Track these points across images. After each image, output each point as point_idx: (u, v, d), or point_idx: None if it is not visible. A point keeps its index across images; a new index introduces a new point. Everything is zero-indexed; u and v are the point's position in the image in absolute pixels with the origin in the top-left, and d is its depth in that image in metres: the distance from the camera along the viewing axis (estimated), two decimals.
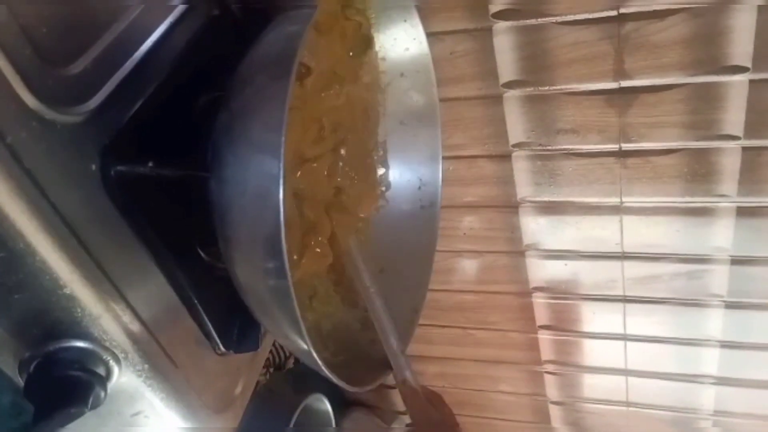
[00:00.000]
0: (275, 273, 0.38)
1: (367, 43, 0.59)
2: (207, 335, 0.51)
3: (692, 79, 0.64)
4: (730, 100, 0.65)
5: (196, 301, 0.49)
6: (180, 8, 0.46)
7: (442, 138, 0.63)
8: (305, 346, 0.42)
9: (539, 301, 0.91)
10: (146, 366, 0.44)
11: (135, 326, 0.42)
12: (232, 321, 0.53)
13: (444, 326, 1.00)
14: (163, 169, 0.41)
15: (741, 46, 0.61)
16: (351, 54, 0.57)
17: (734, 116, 0.65)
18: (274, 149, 0.35)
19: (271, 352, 0.91)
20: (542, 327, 0.94)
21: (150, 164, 0.40)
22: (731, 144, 0.67)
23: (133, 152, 0.40)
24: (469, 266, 0.91)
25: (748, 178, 0.69)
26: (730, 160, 0.68)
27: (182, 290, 0.47)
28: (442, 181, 0.64)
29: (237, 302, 0.47)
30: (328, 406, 0.90)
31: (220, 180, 0.39)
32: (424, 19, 0.58)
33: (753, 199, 0.71)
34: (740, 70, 0.62)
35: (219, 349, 0.52)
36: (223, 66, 0.45)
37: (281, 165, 0.35)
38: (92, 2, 0.39)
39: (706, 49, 0.62)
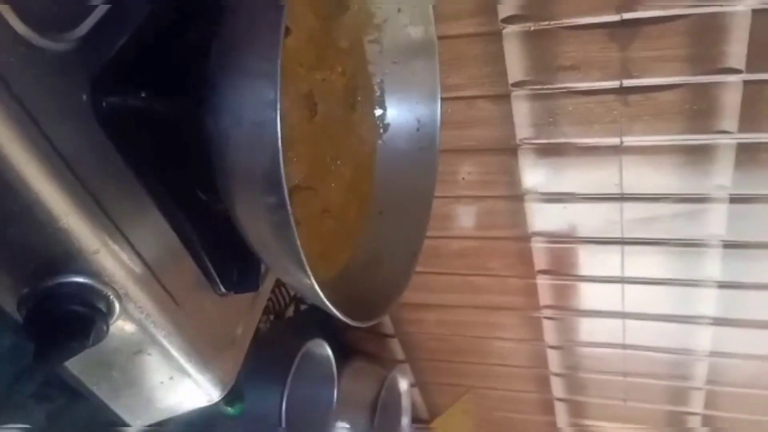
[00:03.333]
0: (275, 204, 0.38)
1: (345, 5, 0.57)
2: (207, 275, 0.50)
3: (695, 9, 0.63)
4: (732, 31, 0.63)
5: (195, 241, 0.48)
6: None
7: (440, 78, 0.62)
8: (307, 280, 0.41)
9: (538, 245, 0.91)
10: (147, 303, 0.43)
11: (134, 263, 0.41)
12: (232, 262, 0.52)
13: (443, 273, 1.01)
14: (156, 101, 0.40)
15: None
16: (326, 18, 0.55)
17: (736, 48, 0.64)
18: (270, 75, 0.34)
19: (270, 299, 0.92)
20: (541, 272, 0.95)
21: (142, 95, 0.39)
22: (733, 78, 0.66)
23: (125, 83, 0.39)
24: (467, 212, 0.90)
25: (749, 113, 0.68)
26: (731, 95, 0.68)
27: (181, 229, 0.47)
28: (441, 122, 0.63)
29: (237, 243, 0.46)
30: (329, 351, 0.91)
31: (215, 111, 0.38)
32: None
33: (754, 135, 0.70)
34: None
35: (219, 289, 0.51)
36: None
37: (278, 90, 0.34)
38: None
39: None
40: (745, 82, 0.66)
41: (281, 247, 0.41)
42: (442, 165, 0.83)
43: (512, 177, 0.83)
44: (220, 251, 0.50)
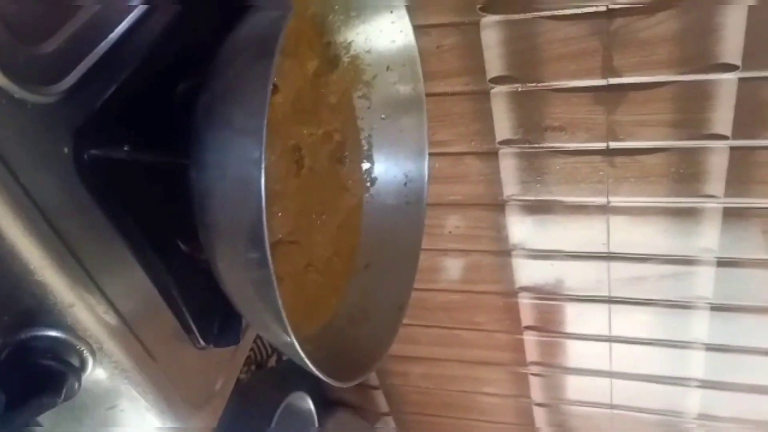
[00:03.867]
0: (257, 261, 0.37)
1: (335, 63, 0.58)
2: (186, 329, 0.49)
3: (681, 77, 0.64)
4: (719, 98, 0.64)
5: (175, 294, 0.47)
6: None
7: (429, 134, 0.62)
8: (288, 338, 0.40)
9: (525, 301, 0.90)
10: (122, 358, 0.42)
11: (110, 317, 0.41)
12: (213, 315, 0.51)
13: (429, 326, 1.00)
14: (140, 154, 0.40)
15: (731, 43, 0.61)
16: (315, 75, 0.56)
17: (723, 115, 0.65)
18: (256, 132, 0.34)
19: (252, 350, 0.90)
20: (527, 328, 0.94)
21: (125, 148, 0.39)
22: (719, 143, 0.67)
23: (108, 136, 0.39)
24: (454, 265, 0.90)
25: (736, 178, 0.69)
26: (717, 160, 0.68)
27: (161, 282, 0.46)
28: (429, 177, 0.64)
29: (217, 296, 0.46)
30: (311, 405, 0.89)
31: (199, 165, 0.38)
32: (411, 11, 0.57)
33: (740, 200, 0.71)
34: (730, 68, 0.62)
35: (199, 343, 0.50)
36: (204, 54, 0.44)
37: (263, 149, 0.34)
38: None
39: (696, 47, 0.62)
40: (732, 148, 0.67)
41: (262, 304, 0.40)
42: (429, 218, 0.83)
43: (499, 232, 0.83)
44: (201, 304, 0.50)
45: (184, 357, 0.50)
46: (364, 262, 0.64)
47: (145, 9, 0.42)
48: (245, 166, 0.35)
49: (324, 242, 0.59)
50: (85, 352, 0.39)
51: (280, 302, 0.38)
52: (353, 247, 0.64)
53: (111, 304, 0.41)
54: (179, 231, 0.48)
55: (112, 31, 0.40)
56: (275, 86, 0.45)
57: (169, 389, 0.47)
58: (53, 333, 0.38)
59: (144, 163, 0.42)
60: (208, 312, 0.51)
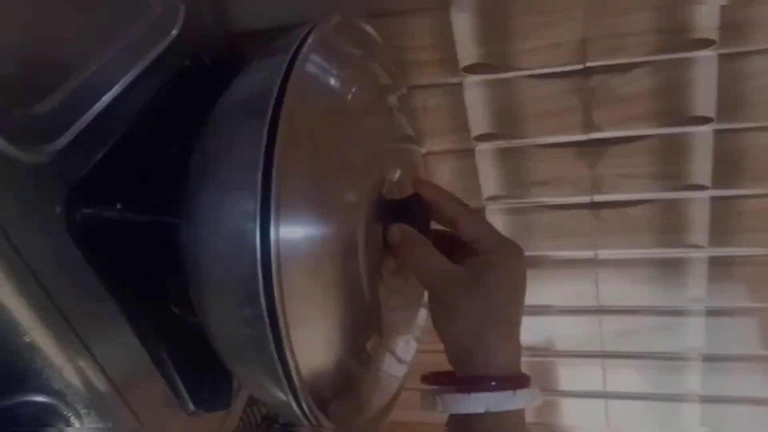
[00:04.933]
0: (252, 319, 0.37)
1: None
2: (176, 393, 0.48)
3: (658, 130, 0.66)
4: (696, 150, 0.66)
5: (165, 357, 0.46)
6: (151, 55, 0.45)
7: None
8: (284, 397, 0.40)
9: None
10: (109, 423, 0.41)
11: (99, 380, 0.40)
12: (203, 379, 0.50)
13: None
14: (132, 213, 0.40)
15: (704, 97, 0.63)
16: None
17: (701, 166, 0.67)
18: (250, 185, 0.34)
19: (241, 418, 0.87)
20: None
21: (118, 207, 0.39)
22: (700, 194, 0.68)
23: (100, 196, 0.39)
24: None
25: (719, 227, 0.70)
26: (699, 210, 0.69)
27: (151, 345, 0.45)
28: None
29: (208, 359, 0.45)
30: None
31: (192, 222, 0.38)
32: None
33: (724, 249, 0.71)
34: (704, 120, 0.64)
35: (189, 407, 0.49)
36: (196, 115, 0.44)
37: (258, 200, 0.34)
38: (63, 44, 0.39)
39: (671, 101, 0.64)
40: (712, 198, 0.68)
41: (256, 364, 0.40)
42: None
43: None
44: (191, 368, 0.49)
45: (173, 421, 0.49)
46: None
47: (139, 71, 0.43)
48: (240, 221, 0.35)
49: None
50: (71, 417, 0.38)
51: (276, 357, 0.37)
52: None
53: (101, 368, 0.40)
54: (171, 292, 0.48)
55: (106, 92, 0.40)
56: None
57: None
58: (40, 398, 0.37)
59: (136, 223, 0.42)
60: (199, 376, 0.50)
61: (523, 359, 0.88)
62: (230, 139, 0.37)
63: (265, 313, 0.35)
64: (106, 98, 0.41)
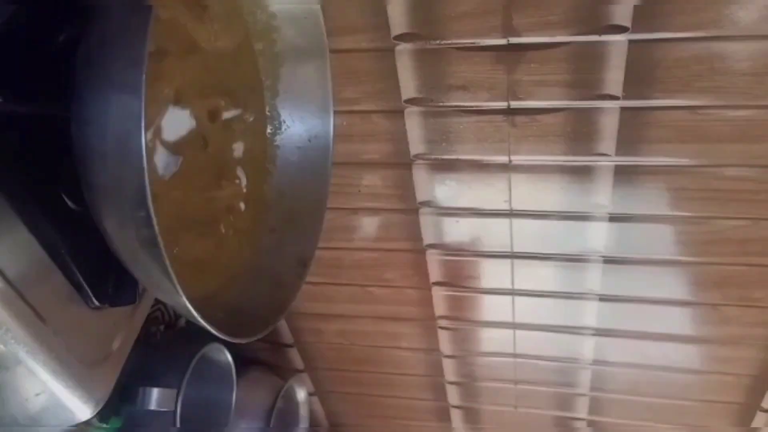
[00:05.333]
0: (143, 221, 0.37)
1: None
2: (78, 289, 0.48)
3: (575, 37, 0.66)
4: (610, 59, 0.67)
5: (64, 253, 0.46)
6: None
7: (335, 91, 0.62)
8: (179, 298, 0.40)
9: (433, 257, 0.93)
10: (8, 320, 0.42)
11: None
12: (107, 273, 0.50)
13: (342, 284, 1.01)
14: (18, 105, 0.38)
15: (622, 5, 0.63)
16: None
17: (614, 76, 0.68)
18: (135, 87, 0.33)
19: (160, 309, 0.89)
20: (435, 283, 0.97)
21: (0, 100, 0.37)
22: (611, 104, 0.70)
23: None
24: (366, 223, 0.91)
25: (626, 137, 0.72)
26: (609, 120, 0.71)
27: (48, 240, 0.45)
28: (334, 135, 0.63)
29: (112, 253, 0.45)
30: (229, 357, 0.89)
31: (80, 121, 0.37)
32: None
33: (630, 158, 0.74)
34: (620, 29, 0.65)
35: (92, 302, 0.49)
36: (85, 3, 0.42)
37: (142, 104, 0.33)
38: None
39: (589, 8, 0.64)
40: (622, 108, 0.70)
41: (151, 265, 0.40)
42: (339, 177, 0.84)
43: (407, 191, 0.84)
44: (94, 262, 0.48)
45: (77, 317, 0.49)
46: (268, 227, 0.64)
47: None
48: (125, 123, 0.34)
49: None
50: None
51: (168, 263, 0.37)
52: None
53: None
54: (66, 186, 0.46)
55: None
56: (165, 51, 0.44)
57: (60, 350, 0.46)
58: None
59: (22, 115, 0.40)
60: (102, 270, 0.49)
61: (438, 258, 0.92)
62: (115, 33, 0.35)
63: (153, 216, 0.35)
64: None
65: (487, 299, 0.97)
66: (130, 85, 0.33)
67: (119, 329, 0.55)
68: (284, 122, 0.65)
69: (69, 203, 0.46)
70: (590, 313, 0.93)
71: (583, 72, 0.68)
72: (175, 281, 0.38)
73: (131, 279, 0.52)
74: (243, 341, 0.51)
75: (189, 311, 0.41)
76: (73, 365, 0.47)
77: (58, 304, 0.47)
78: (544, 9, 0.64)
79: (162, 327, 0.90)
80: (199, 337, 0.86)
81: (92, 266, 0.48)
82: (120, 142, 0.35)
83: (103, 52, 0.36)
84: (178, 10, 0.47)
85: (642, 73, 0.67)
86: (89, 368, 0.49)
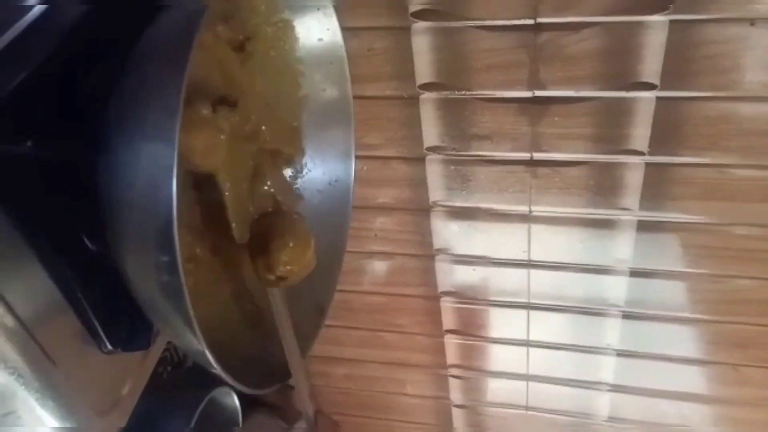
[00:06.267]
0: (167, 270, 0.36)
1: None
2: (92, 332, 0.47)
3: (602, 93, 0.66)
4: (637, 115, 0.67)
5: (80, 296, 0.45)
6: None
7: (357, 137, 0.62)
8: (199, 346, 0.39)
9: (447, 305, 0.91)
10: (19, 362, 0.40)
11: (8, 320, 0.38)
12: (121, 317, 0.49)
13: (353, 328, 0.99)
14: (45, 150, 0.38)
15: (650, 63, 0.63)
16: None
17: (640, 132, 0.67)
18: (168, 137, 0.32)
19: (168, 350, 0.87)
20: (448, 331, 0.95)
21: (29, 144, 0.37)
22: (636, 159, 0.69)
23: (10, 131, 0.37)
24: (379, 268, 0.90)
25: (650, 193, 0.72)
26: (633, 175, 0.71)
27: (64, 283, 0.44)
28: (355, 179, 0.63)
29: (127, 296, 0.44)
30: (236, 402, 0.87)
31: (108, 167, 0.36)
32: (341, 13, 0.56)
33: (653, 213, 0.73)
34: (648, 86, 0.64)
35: (105, 347, 0.48)
36: (116, 46, 0.41)
37: (175, 155, 0.32)
38: None
39: (617, 65, 0.64)
40: (647, 164, 0.70)
41: (172, 313, 0.39)
42: (355, 221, 0.83)
43: (424, 237, 0.83)
44: (108, 306, 0.47)
45: (89, 361, 0.48)
46: None
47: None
48: (156, 175, 0.33)
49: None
50: None
51: (191, 311, 0.36)
52: None
53: (8, 306, 0.38)
54: (86, 228, 0.46)
55: (19, 19, 0.37)
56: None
57: (70, 395, 0.44)
58: None
59: (49, 160, 0.39)
60: (117, 314, 0.48)
61: (452, 305, 0.91)
62: (150, 83, 0.35)
63: (179, 263, 0.34)
64: (21, 24, 0.38)
65: (501, 349, 0.95)
66: (165, 137, 0.32)
67: (129, 374, 0.53)
68: (305, 165, 0.64)
69: (88, 243, 0.45)
70: (606, 368, 0.91)
71: (609, 127, 0.68)
72: (198, 331, 0.37)
73: (145, 323, 0.51)
74: (260, 392, 0.49)
75: (209, 361, 0.40)
76: (82, 412, 0.46)
77: (70, 347, 0.46)
78: (572, 64, 0.64)
79: (169, 368, 0.89)
80: (206, 380, 0.84)
81: (107, 309, 0.47)
82: (150, 194, 0.34)
83: (138, 101, 0.35)
84: (223, 52, 0.47)
85: (668, 130, 0.67)
86: (98, 415, 0.48)
